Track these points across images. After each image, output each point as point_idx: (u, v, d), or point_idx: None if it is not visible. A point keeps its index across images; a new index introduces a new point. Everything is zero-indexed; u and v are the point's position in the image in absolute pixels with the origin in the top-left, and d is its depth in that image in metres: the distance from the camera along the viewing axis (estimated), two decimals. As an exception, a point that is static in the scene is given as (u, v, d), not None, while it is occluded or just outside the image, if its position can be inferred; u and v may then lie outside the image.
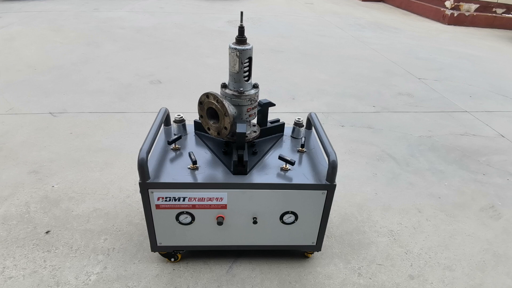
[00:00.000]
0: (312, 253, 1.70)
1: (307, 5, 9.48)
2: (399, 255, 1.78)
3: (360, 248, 1.80)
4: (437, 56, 5.44)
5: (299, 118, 1.71)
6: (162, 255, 1.62)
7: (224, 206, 1.42)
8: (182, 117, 1.65)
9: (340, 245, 1.81)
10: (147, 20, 6.45)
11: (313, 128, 1.74)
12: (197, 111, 1.53)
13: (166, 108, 1.68)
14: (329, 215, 1.98)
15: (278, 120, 1.73)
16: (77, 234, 1.78)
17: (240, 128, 1.35)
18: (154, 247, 1.54)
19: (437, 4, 8.07)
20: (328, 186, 1.39)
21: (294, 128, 1.72)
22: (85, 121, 2.85)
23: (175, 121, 1.65)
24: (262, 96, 3.52)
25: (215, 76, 3.99)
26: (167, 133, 1.72)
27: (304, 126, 1.78)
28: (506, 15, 7.73)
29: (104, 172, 2.25)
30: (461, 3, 7.43)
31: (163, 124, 1.74)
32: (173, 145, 1.55)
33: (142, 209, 1.91)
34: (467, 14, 7.52)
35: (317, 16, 7.96)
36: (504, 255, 1.82)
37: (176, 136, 1.53)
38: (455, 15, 7.51)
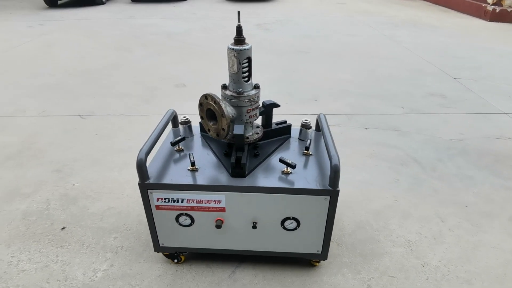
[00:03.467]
0: (319, 261, 1.62)
1: (339, 5, 9.27)
2: (414, 267, 1.65)
3: (373, 258, 1.70)
4: (475, 54, 5.06)
5: (306, 120, 1.65)
6: (165, 256, 1.63)
7: (222, 209, 1.40)
8: (187, 118, 1.65)
9: (351, 254, 1.71)
10: (178, 25, 6.64)
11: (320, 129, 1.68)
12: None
13: (173, 110, 1.69)
14: (343, 222, 1.92)
15: (285, 122, 1.68)
16: (90, 231, 1.84)
17: (238, 129, 1.32)
18: (157, 247, 1.55)
19: (478, -1, 7.54)
20: (330, 192, 1.32)
21: (301, 130, 1.67)
22: (110, 123, 2.98)
23: (181, 123, 1.66)
24: (284, 98, 3.47)
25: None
26: (176, 134, 1.73)
27: (313, 128, 1.71)
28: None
29: (122, 172, 2.32)
30: (504, -2, 6.88)
31: (171, 126, 1.76)
32: (176, 147, 1.56)
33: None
34: (509, 10, 6.93)
35: (348, 16, 7.75)
36: (538, 273, 1.63)
37: (179, 138, 1.53)
38: (497, 11, 6.95)
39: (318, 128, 1.73)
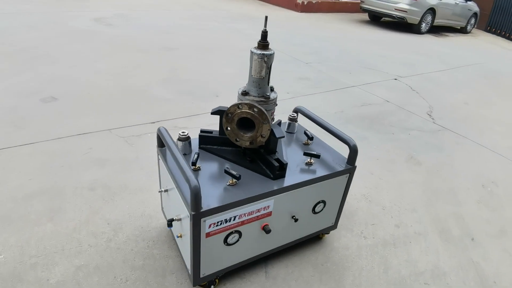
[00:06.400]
0: (328, 233, 1.86)
1: (169, -2, 9.17)
2: (380, 212, 2.13)
3: (352, 216, 2.07)
4: (307, 41, 6.26)
5: (293, 114, 1.79)
6: (202, 285, 1.48)
7: (269, 214, 1.42)
8: (187, 134, 1.49)
9: (338, 219, 2.03)
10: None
11: (298, 120, 1.86)
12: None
13: (164, 128, 1.48)
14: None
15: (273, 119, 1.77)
16: (75, 303, 1.41)
17: (278, 133, 1.35)
18: (197, 280, 1.39)
19: (289, -6, 9.15)
20: (350, 169, 1.56)
21: (289, 124, 1.80)
22: (-19, 165, 2.14)
23: (179, 139, 1.48)
24: (186, 98, 3.37)
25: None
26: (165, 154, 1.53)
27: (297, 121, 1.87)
28: (343, 0, 9.46)
29: (56, 221, 1.80)
30: (309, -8, 8.67)
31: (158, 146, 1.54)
32: (194, 166, 1.41)
33: (137, 249, 1.70)
34: (314, 1, 8.82)
35: (188, 10, 7.85)
36: (436, 188, 2.42)
37: (196, 155, 1.39)
38: (305, 3, 8.71)
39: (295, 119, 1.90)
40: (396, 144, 2.98)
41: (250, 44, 5.63)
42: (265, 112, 1.29)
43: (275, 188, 1.37)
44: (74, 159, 2.28)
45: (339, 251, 1.81)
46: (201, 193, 1.26)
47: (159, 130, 1.45)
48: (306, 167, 1.53)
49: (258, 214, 1.38)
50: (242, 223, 1.36)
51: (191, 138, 1.53)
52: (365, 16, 10.21)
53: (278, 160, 1.39)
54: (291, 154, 1.61)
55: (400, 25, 9.21)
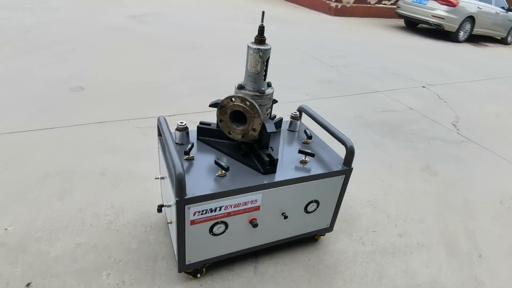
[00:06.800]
0: (324, 235, 1.83)
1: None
2: (384, 220, 2.06)
3: (354, 221, 2.02)
4: (336, 45, 6.16)
5: (295, 112, 1.79)
6: (188, 273, 1.51)
7: (257, 208, 1.42)
8: (185, 124, 1.54)
9: (338, 222, 1.98)
10: (28, 18, 5.43)
11: (301, 119, 1.85)
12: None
13: (163, 117, 1.54)
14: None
15: (275, 116, 1.77)
16: (69, 277, 1.49)
17: (270, 127, 1.35)
18: (182, 266, 1.43)
19: (322, -3, 9.07)
20: (346, 171, 1.53)
21: (291, 122, 1.80)
22: (9, 144, 2.32)
23: (177, 129, 1.53)
24: (208, 95, 3.45)
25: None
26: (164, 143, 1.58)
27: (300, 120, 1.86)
28: (378, 5, 9.22)
29: (65, 201, 1.91)
30: (342, -4, 8.55)
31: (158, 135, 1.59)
32: (187, 155, 1.44)
33: (135, 233, 1.75)
34: (348, 5, 8.68)
35: (221, 11, 8.01)
36: (450, 201, 2.30)
37: (190, 145, 1.43)
38: (339, 7, 8.59)
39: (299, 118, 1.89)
40: (414, 152, 2.86)
41: (274, 45, 5.64)
42: (256, 106, 1.30)
43: (264, 182, 1.37)
44: (90, 145, 2.41)
45: (333, 254, 1.77)
46: (186, 181, 1.29)
47: (158, 119, 1.50)
48: (301, 165, 1.51)
49: (245, 207, 1.39)
50: (229, 214, 1.37)
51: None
52: (401, 22, 9.88)
53: (269, 155, 1.39)
54: (288, 151, 1.60)
55: (437, 32, 8.83)
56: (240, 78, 4.02)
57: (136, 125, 2.74)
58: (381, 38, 7.44)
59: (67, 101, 2.99)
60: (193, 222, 1.31)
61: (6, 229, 1.69)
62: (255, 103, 1.30)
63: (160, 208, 1.43)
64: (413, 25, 9.28)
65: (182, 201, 1.23)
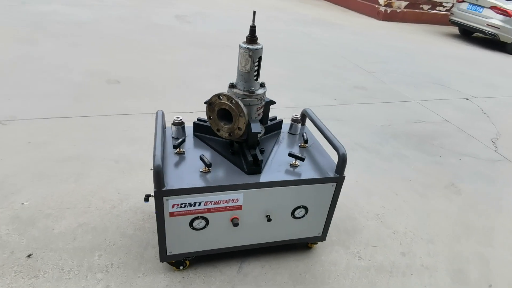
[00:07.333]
0: (316, 243, 1.77)
1: (248, 0, 9.54)
2: (388, 236, 1.94)
3: (355, 233, 1.93)
4: (378, 50, 5.91)
5: (296, 115, 1.75)
6: (170, 264, 1.55)
7: (239, 207, 1.42)
8: (181, 119, 1.58)
9: (337, 233, 1.91)
10: (84, 13, 5.92)
11: (306, 123, 1.81)
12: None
13: (162, 111, 1.59)
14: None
15: (275, 118, 1.75)
16: (66, 254, 1.61)
17: (255, 127, 1.35)
18: (164, 257, 1.47)
19: (371, 1, 8.73)
20: (338, 179, 1.47)
21: (292, 125, 1.76)
22: (42, 128, 2.56)
23: (174, 124, 1.58)
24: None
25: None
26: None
27: (301, 123, 1.83)
28: (431, 11, 8.68)
29: (79, 183, 2.06)
30: (392, 0, 8.14)
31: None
32: (177, 149, 1.48)
33: (133, 220, 1.83)
34: (398, 10, 8.27)
35: (264, 12, 8.07)
36: (470, 224, 2.10)
37: (180, 140, 1.47)
38: (388, 11, 8.21)
39: (303, 121, 1.85)
40: (440, 168, 2.65)
41: (313, 48, 5.55)
42: (241, 105, 1.30)
43: (246, 182, 1.36)
44: (111, 134, 2.57)
45: (324, 265, 1.70)
46: (167, 173, 1.33)
47: (156, 113, 1.56)
48: (291, 168, 1.48)
49: (226, 205, 1.39)
50: (209, 210, 1.38)
51: None
52: (455, 30, 9.17)
53: (254, 155, 1.38)
54: (281, 153, 1.57)
55: (493, 43, 8.06)
56: (268, 79, 4.01)
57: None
58: (431, 45, 6.99)
59: (101, 92, 3.21)
60: (172, 214, 1.35)
61: (22, 203, 1.86)
62: (240, 102, 1.30)
63: (147, 198, 1.48)
64: (468, 34, 8.56)
65: (160, 192, 1.27)
